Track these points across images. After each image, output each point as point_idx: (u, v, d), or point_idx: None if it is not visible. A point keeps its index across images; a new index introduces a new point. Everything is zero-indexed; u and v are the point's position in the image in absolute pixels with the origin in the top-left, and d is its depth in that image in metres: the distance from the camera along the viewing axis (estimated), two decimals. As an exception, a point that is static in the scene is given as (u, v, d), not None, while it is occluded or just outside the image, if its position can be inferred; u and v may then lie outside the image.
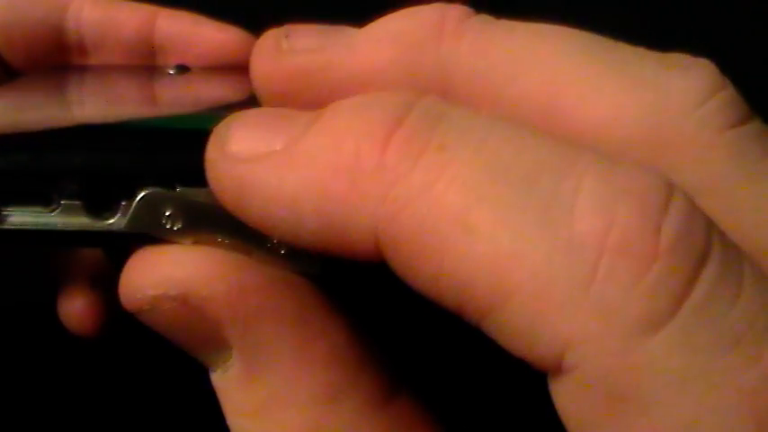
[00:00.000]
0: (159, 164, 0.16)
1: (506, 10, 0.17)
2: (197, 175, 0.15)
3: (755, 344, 0.12)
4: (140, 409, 0.37)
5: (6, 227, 0.16)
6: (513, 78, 0.16)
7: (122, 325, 0.31)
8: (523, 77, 0.15)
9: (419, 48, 0.16)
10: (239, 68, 0.26)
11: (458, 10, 0.16)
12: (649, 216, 0.12)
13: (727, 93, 0.15)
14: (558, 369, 0.13)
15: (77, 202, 0.16)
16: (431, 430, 0.16)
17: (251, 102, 0.18)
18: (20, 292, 0.32)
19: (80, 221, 0.16)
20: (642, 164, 0.13)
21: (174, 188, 0.16)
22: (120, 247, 0.17)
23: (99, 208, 0.16)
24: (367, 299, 0.17)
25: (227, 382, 0.16)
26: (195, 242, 0.16)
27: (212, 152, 0.15)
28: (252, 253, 0.16)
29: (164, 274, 0.16)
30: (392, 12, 0.17)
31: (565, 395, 0.13)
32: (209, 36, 0.28)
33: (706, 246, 0.13)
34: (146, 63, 0.28)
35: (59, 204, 0.16)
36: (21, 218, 0.16)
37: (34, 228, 0.16)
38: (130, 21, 0.28)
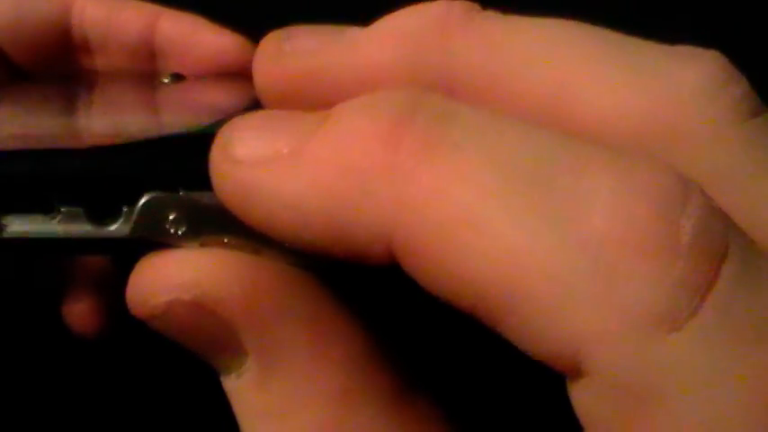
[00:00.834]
0: (161, 168, 0.16)
1: (512, 5, 0.17)
2: (200, 179, 0.15)
3: None
4: (143, 409, 0.37)
5: (6, 236, 0.16)
6: (520, 74, 0.15)
7: (125, 326, 0.31)
8: (531, 72, 0.15)
9: (424, 45, 0.16)
10: (236, 76, 0.27)
11: (462, 5, 0.16)
12: (668, 214, 0.12)
13: (740, 85, 0.15)
14: (577, 370, 0.13)
15: (79, 209, 0.16)
16: (446, 430, 0.16)
17: (248, 109, 0.18)
18: (24, 293, 0.32)
19: (82, 228, 0.16)
20: (656, 159, 0.13)
21: (177, 192, 0.16)
22: (124, 254, 0.17)
23: (101, 214, 0.16)
24: (379, 297, 0.17)
25: (242, 386, 0.16)
26: (201, 245, 0.16)
27: (217, 156, 0.15)
28: (260, 252, 0.16)
29: (176, 278, 0.15)
30: (395, 10, 0.17)
31: (584, 396, 0.13)
32: (207, 41, 0.28)
33: (725, 242, 0.12)
34: (146, 67, 0.28)
35: (60, 211, 0.16)
36: (21, 226, 0.16)
37: (35, 236, 0.16)
38: (132, 22, 0.28)
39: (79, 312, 0.31)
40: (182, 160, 0.16)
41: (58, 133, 0.20)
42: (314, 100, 0.16)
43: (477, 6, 0.16)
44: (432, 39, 0.16)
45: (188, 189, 0.16)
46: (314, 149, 0.14)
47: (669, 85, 0.15)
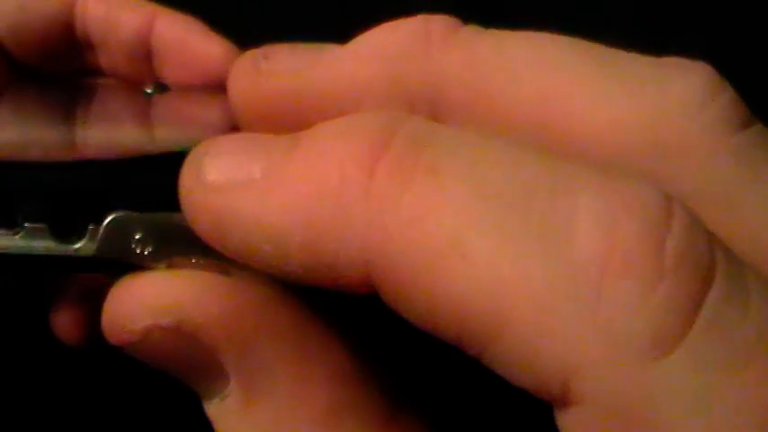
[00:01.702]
0: (128, 186, 0.16)
1: (495, 20, 0.16)
2: (167, 198, 0.15)
3: None
4: (129, 417, 0.37)
5: None
6: (506, 89, 0.15)
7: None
8: (517, 87, 0.15)
9: (404, 62, 0.15)
10: (219, 88, 0.26)
11: (442, 21, 0.16)
12: (651, 233, 0.12)
13: (728, 95, 0.15)
14: (565, 399, 0.12)
15: (42, 225, 0.15)
16: None
17: (228, 127, 0.18)
18: (10, 302, 0.31)
19: (45, 245, 0.15)
20: (639, 177, 0.13)
21: (144, 211, 0.15)
22: (89, 273, 0.16)
23: (65, 232, 0.16)
24: (360, 313, 0.17)
25: (225, 410, 0.15)
26: (169, 266, 0.15)
27: (187, 180, 0.14)
28: (229, 271, 0.15)
29: (152, 302, 0.15)
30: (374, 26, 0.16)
31: (574, 426, 0.12)
32: (196, 47, 0.28)
33: (711, 261, 0.12)
34: (143, 68, 0.28)
35: (23, 227, 0.15)
36: None
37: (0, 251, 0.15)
38: (130, 21, 0.28)
39: (66, 321, 0.31)
40: (149, 179, 0.16)
41: (28, 144, 0.19)
42: (292, 120, 0.15)
43: (457, 21, 0.16)
44: (413, 56, 0.15)
45: (155, 209, 0.15)
46: (287, 173, 0.14)
47: (657, 98, 0.14)
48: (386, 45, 0.16)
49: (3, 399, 0.36)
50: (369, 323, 0.16)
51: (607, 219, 0.12)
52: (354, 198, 0.13)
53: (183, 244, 0.15)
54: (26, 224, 0.15)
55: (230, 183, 0.14)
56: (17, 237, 0.15)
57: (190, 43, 0.28)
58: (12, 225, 0.15)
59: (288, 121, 0.16)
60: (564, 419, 0.13)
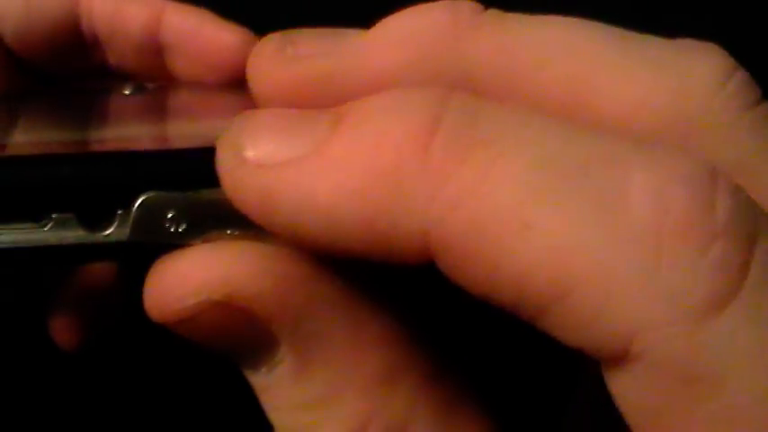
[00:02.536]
0: (153, 169, 0.16)
1: (512, 7, 0.17)
2: (195, 177, 0.15)
3: None
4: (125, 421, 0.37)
5: None
6: (536, 70, 0.15)
7: (109, 340, 0.31)
8: (546, 69, 0.15)
9: (435, 46, 0.16)
10: (235, 81, 0.26)
11: (469, 6, 0.16)
12: (702, 198, 0.13)
13: (741, 74, 0.15)
14: (622, 358, 0.13)
15: (70, 215, 0.15)
16: (477, 410, 0.16)
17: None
18: (8, 305, 0.31)
19: (75, 235, 0.15)
20: (682, 150, 0.14)
21: (174, 190, 0.15)
22: (122, 259, 0.16)
23: (94, 219, 0.15)
24: (399, 281, 0.17)
25: (275, 380, 0.15)
26: (205, 241, 0.15)
27: (227, 159, 0.15)
28: (267, 240, 0.15)
29: (201, 278, 0.15)
30: (394, 11, 0.17)
31: (629, 383, 0.13)
32: (211, 37, 0.27)
33: (755, 220, 0.13)
34: (153, 63, 0.28)
35: (51, 218, 0.15)
36: (10, 236, 0.15)
37: (26, 245, 0.15)
38: (137, 16, 0.27)
39: (63, 326, 0.31)
40: (174, 161, 0.16)
41: (46, 142, 0.19)
42: (318, 105, 0.15)
43: (481, 7, 0.16)
44: (442, 40, 0.16)
45: (183, 188, 0.15)
46: (339, 150, 0.14)
47: (680, 77, 0.15)
48: (414, 29, 0.16)
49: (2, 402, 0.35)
50: (408, 291, 0.17)
51: (659, 187, 0.13)
52: (412, 173, 0.13)
53: (216, 219, 0.15)
54: (54, 215, 0.15)
55: (276, 159, 0.14)
56: (46, 229, 0.15)
57: (203, 34, 0.27)
58: (39, 218, 0.15)
59: (315, 106, 0.15)
60: (618, 377, 0.13)
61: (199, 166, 0.15)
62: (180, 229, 0.15)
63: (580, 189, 0.13)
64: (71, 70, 0.28)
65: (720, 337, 0.12)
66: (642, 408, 0.13)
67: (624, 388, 0.13)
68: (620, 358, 0.13)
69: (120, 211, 0.15)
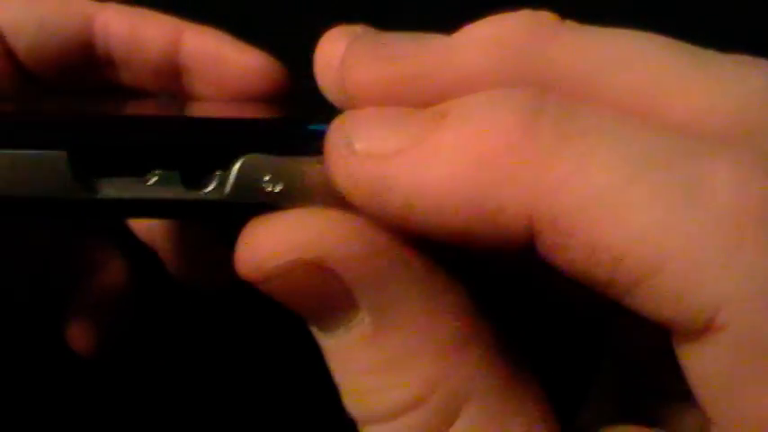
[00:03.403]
0: (255, 131, 0.17)
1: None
2: (293, 143, 0.16)
3: None
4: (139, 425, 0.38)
5: (102, 197, 0.16)
6: (612, 75, 0.17)
7: (124, 348, 0.31)
8: (622, 74, 0.17)
9: (518, 50, 0.17)
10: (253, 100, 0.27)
11: (549, 15, 0.17)
12: None
13: None
14: (706, 330, 0.14)
15: (172, 173, 0.16)
16: (534, 391, 0.17)
17: None
18: (27, 309, 0.31)
19: (176, 191, 0.16)
20: (750, 146, 0.15)
21: (271, 154, 0.16)
22: (216, 217, 0.17)
23: (194, 178, 0.17)
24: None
25: (350, 341, 0.16)
26: (297, 206, 0.16)
27: (337, 150, 0.16)
28: (353, 210, 0.16)
29: (296, 238, 0.16)
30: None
31: (709, 355, 0.15)
32: (232, 60, 0.27)
33: None
34: (171, 84, 0.28)
35: (155, 174, 0.16)
36: (115, 189, 0.16)
37: (130, 197, 0.16)
38: (156, 38, 0.28)
39: (79, 331, 0.31)
40: (271, 129, 0.17)
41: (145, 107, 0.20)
42: (411, 103, 0.17)
43: (558, 16, 0.18)
44: (525, 45, 0.17)
45: (281, 153, 0.16)
46: (449, 139, 0.15)
47: (741, 88, 0.17)
48: (499, 35, 0.17)
49: (15, 407, 0.36)
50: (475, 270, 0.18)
51: (741, 177, 0.14)
52: (519, 158, 0.15)
53: (308, 186, 0.16)
54: (158, 171, 0.16)
55: (384, 151, 0.15)
56: (149, 184, 0.17)
57: (224, 57, 0.27)
58: (143, 174, 0.16)
59: (407, 104, 0.17)
60: (697, 349, 0.15)
61: (294, 134, 0.17)
62: (276, 190, 0.16)
63: (671, 177, 0.14)
64: (82, 85, 0.29)
65: None
66: (719, 377, 0.15)
67: (702, 359, 0.15)
68: (704, 330, 0.14)
69: (219, 172, 0.17)
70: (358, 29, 0.18)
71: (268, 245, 0.16)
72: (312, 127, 0.17)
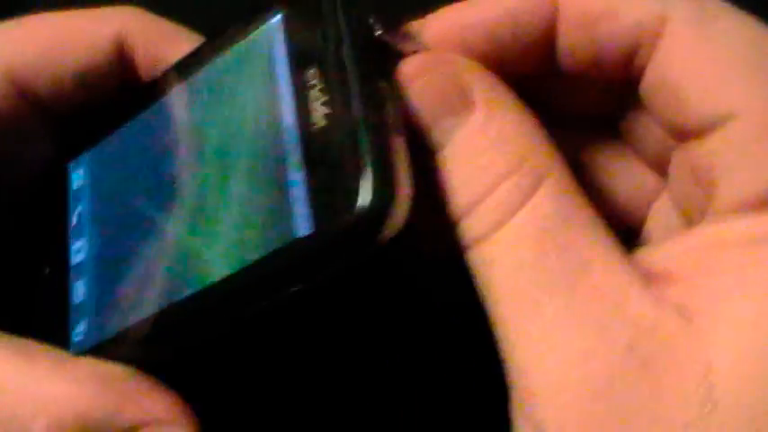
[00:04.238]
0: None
1: None
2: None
3: None
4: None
5: None
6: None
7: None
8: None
9: None
10: None
11: None
12: None
13: None
14: (718, 124, 0.22)
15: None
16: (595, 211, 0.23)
17: None
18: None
19: None
20: None
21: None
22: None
23: None
24: None
25: (467, 134, 0.22)
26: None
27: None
28: None
29: (442, 56, 0.24)
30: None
31: (719, 144, 0.22)
32: None
33: None
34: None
35: None
36: None
37: None
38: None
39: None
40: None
41: None
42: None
43: None
44: None
45: None
46: None
47: None
48: None
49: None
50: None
51: None
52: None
53: None
54: None
55: None
56: None
57: None
58: None
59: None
60: (708, 143, 0.22)
61: None
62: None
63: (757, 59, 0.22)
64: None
65: None
66: (723, 164, 0.22)
67: (708, 151, 0.22)
68: (714, 125, 0.22)
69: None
70: None
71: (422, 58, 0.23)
72: None
